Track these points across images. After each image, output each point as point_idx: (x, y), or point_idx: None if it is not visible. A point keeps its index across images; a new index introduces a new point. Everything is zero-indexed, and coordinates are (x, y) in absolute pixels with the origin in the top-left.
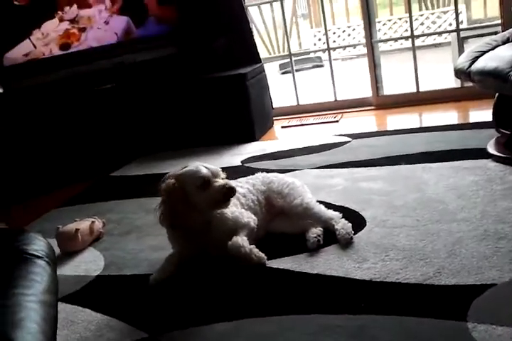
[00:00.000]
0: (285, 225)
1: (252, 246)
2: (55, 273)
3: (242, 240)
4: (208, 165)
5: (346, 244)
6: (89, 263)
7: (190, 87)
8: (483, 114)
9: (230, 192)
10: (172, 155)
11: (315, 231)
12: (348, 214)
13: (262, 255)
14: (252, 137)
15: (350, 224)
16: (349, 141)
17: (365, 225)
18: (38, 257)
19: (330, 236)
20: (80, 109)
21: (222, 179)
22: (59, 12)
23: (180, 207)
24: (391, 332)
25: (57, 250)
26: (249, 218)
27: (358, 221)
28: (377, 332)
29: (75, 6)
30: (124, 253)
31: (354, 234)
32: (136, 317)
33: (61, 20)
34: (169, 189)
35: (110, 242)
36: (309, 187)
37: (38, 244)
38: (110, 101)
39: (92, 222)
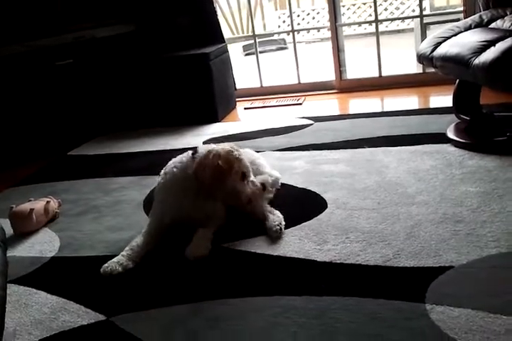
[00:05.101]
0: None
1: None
2: (4, 253)
3: (210, 234)
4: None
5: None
6: (43, 244)
7: (152, 65)
8: (443, 99)
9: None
10: (132, 135)
11: (276, 219)
12: (310, 196)
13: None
14: (214, 118)
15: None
16: (311, 124)
17: (326, 207)
18: None
19: (289, 219)
20: (36, 84)
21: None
22: None
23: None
24: (351, 313)
25: (10, 231)
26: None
27: (319, 203)
28: (337, 313)
29: None
30: (80, 234)
31: (315, 216)
32: (93, 300)
33: None
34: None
35: (66, 223)
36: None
37: None
38: (68, 78)
39: (47, 201)
